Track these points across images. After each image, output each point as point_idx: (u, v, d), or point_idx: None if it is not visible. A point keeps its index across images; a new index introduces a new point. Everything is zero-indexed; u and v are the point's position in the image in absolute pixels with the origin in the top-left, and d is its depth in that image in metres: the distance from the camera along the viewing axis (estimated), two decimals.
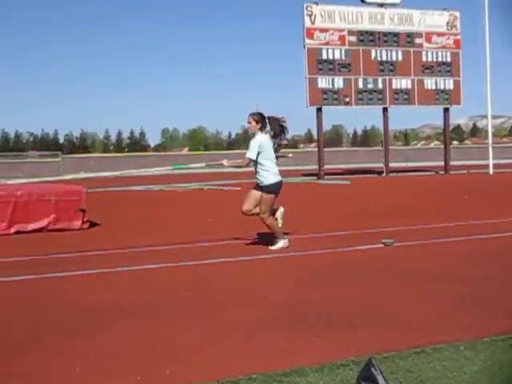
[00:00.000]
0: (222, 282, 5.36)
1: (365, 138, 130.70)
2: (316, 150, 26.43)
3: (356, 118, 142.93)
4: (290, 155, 7.43)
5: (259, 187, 7.00)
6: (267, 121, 7.10)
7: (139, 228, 9.51)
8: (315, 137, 36.48)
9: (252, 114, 7.08)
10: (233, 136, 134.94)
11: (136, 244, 7.49)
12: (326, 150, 26.81)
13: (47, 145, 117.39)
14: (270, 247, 6.94)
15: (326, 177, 23.87)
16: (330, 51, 23.59)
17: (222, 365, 3.12)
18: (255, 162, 6.97)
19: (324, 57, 23.47)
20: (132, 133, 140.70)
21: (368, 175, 26.29)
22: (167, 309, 4.40)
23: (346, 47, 23.79)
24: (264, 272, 5.87)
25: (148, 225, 9.95)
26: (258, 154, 6.92)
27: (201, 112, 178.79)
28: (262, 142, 6.95)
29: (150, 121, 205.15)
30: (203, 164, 8.65)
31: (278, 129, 7.15)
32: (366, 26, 24.07)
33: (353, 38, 23.86)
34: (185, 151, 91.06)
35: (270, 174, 6.97)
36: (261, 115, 7.10)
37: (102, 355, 3.34)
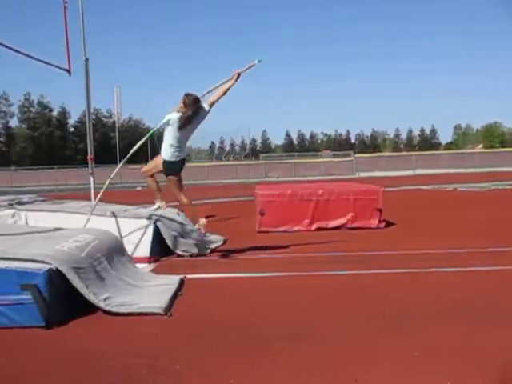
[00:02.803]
0: None
1: None
2: None
3: None
4: (256, 61, 6.45)
5: None
6: (199, 107, 6.77)
7: (435, 229, 9.30)
8: None
9: (186, 95, 6.75)
10: None
11: (429, 246, 7.35)
12: None
13: (339, 144, 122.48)
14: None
15: None
16: None
17: None
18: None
19: None
20: (422, 130, 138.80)
21: None
22: (484, 312, 4.20)
23: None
24: None
25: (443, 227, 9.66)
26: (167, 128, 6.72)
27: (497, 106, 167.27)
28: (174, 118, 6.67)
29: (441, 117, 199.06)
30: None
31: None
32: None
33: None
34: (478, 148, 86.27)
35: (168, 150, 6.80)
36: (194, 100, 6.73)
37: (425, 354, 3.34)
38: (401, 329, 3.86)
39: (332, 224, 9.45)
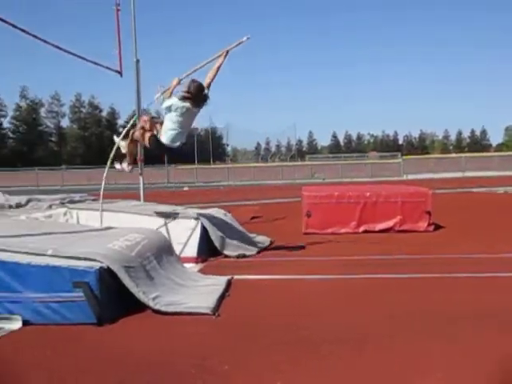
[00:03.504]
0: None
1: None
2: None
3: None
4: (245, 38, 6.37)
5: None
6: (202, 97, 6.60)
7: (486, 233, 9.07)
8: None
9: (192, 81, 6.61)
10: None
11: (480, 250, 7.19)
12: None
13: (387, 146, 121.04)
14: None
15: None
16: None
17: None
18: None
19: None
20: (473, 132, 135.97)
21: None
22: None
23: None
24: None
25: (494, 230, 9.42)
26: (169, 113, 6.57)
27: None
28: (176, 104, 6.51)
29: (492, 119, 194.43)
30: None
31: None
32: None
33: None
34: None
35: (168, 133, 6.58)
36: (199, 87, 6.55)
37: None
38: (451, 334, 3.78)
39: (379, 227, 9.36)
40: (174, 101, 6.55)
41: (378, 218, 9.38)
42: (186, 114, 6.61)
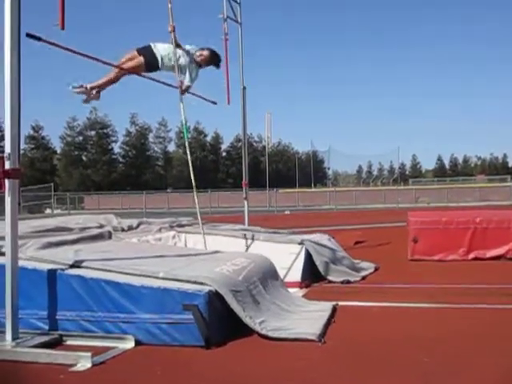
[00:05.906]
0: None
1: None
2: None
3: None
4: None
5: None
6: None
7: None
8: None
9: (215, 54, 7.38)
10: None
11: None
12: None
13: (495, 169, 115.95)
14: None
15: None
16: None
17: None
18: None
19: None
20: None
21: None
22: None
23: None
24: None
25: None
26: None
27: None
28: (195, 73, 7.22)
29: None
30: None
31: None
32: None
33: None
34: None
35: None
36: (218, 58, 7.43)
37: None
38: None
39: (490, 254, 8.96)
40: (195, 70, 7.27)
41: (489, 244, 8.97)
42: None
